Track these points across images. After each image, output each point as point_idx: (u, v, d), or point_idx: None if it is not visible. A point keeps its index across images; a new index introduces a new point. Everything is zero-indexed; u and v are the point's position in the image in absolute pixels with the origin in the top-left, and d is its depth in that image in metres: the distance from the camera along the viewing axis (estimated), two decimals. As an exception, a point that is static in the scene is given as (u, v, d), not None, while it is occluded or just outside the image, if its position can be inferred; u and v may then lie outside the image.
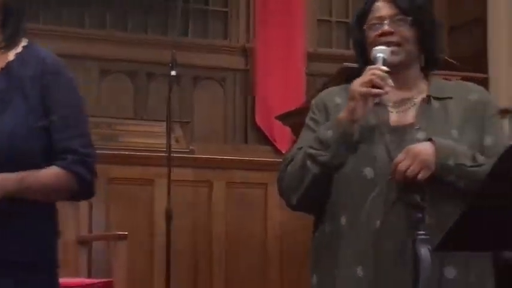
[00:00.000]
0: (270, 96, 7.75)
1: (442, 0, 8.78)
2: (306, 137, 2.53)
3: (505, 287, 2.80)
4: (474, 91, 2.56)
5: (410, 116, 2.49)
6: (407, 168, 2.33)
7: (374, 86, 2.37)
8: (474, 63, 7.44)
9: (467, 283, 2.40)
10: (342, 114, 2.42)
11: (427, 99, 2.50)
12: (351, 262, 2.39)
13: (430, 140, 2.37)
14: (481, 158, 2.40)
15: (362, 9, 2.59)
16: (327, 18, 8.38)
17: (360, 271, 2.38)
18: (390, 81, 2.39)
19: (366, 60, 2.52)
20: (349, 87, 2.47)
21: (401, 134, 2.44)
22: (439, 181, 2.36)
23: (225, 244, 6.05)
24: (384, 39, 2.48)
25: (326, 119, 2.52)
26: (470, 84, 2.66)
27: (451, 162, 2.35)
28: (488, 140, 2.47)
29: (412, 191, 2.35)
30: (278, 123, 6.31)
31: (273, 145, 7.57)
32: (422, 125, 2.45)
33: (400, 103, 2.51)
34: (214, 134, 7.81)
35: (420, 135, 2.43)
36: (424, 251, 2.27)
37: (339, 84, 2.66)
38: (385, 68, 2.41)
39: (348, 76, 2.62)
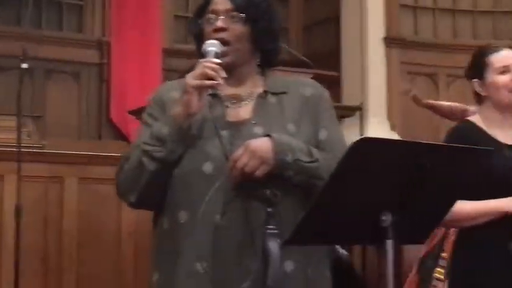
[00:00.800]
0: (125, 91, 7.66)
1: (298, -2, 8.92)
2: (144, 133, 2.49)
3: (341, 281, 2.88)
4: (309, 85, 2.60)
5: (246, 111, 2.49)
6: (245, 164, 2.34)
7: (207, 79, 2.37)
8: (328, 62, 7.59)
9: (305, 276, 2.43)
10: (177, 109, 2.40)
11: (263, 95, 2.52)
12: (191, 258, 2.38)
13: (268, 135, 2.38)
14: (317, 153, 2.43)
15: (203, 2, 2.58)
16: (183, 14, 8.36)
17: (200, 267, 2.37)
18: (223, 73, 2.38)
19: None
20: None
21: (239, 130, 2.44)
22: (278, 177, 2.37)
23: (78, 241, 5.93)
24: (216, 35, 2.47)
25: (163, 114, 2.48)
26: (305, 79, 2.71)
27: (288, 158, 2.37)
28: (323, 134, 2.51)
29: (263, 186, 2.36)
30: (132, 118, 6.25)
31: (128, 140, 7.49)
32: (258, 120, 2.46)
33: (237, 99, 2.51)
34: (67, 129, 7.66)
35: (257, 130, 2.44)
36: (273, 245, 2.29)
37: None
38: (217, 60, 2.40)
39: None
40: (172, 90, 2.54)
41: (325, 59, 7.73)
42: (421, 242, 2.51)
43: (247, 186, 2.36)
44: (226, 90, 2.49)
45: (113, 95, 7.75)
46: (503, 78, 3.15)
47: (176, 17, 8.34)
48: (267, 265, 2.28)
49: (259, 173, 2.35)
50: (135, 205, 2.51)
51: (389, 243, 2.24)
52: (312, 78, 5.23)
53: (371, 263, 6.00)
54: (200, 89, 2.38)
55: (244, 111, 2.49)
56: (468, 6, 8.49)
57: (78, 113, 7.79)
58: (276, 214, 2.34)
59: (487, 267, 3.04)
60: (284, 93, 2.53)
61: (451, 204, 2.42)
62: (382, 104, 7.87)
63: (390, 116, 7.88)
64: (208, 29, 2.51)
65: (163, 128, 2.41)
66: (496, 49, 3.24)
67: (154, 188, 2.43)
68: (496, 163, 2.78)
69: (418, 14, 8.40)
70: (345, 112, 5.96)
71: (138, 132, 2.58)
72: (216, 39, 2.46)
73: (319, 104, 2.55)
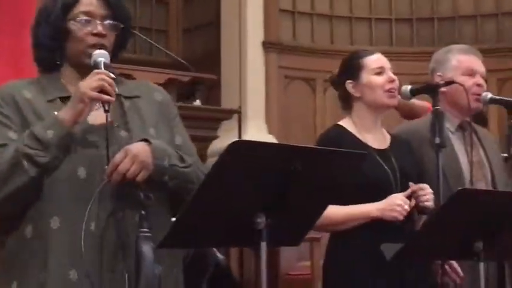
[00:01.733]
0: None
1: (177, 1, 8.90)
2: (1, 132, 2.41)
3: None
4: (158, 91, 2.63)
5: (104, 114, 2.44)
6: (127, 170, 2.31)
7: (103, 92, 2.35)
8: (208, 65, 7.60)
9: (169, 278, 2.43)
10: (66, 116, 2.36)
11: (117, 97, 2.47)
12: (64, 265, 2.33)
13: (145, 140, 2.37)
14: (188, 158, 2.45)
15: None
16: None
17: (73, 274, 2.32)
18: (116, 88, 2.38)
19: (58, 49, 2.50)
20: (41, 82, 2.49)
21: (106, 133, 2.39)
22: (153, 181, 2.36)
23: None
24: (96, 40, 2.46)
25: (17, 113, 2.42)
26: (151, 84, 2.71)
27: (165, 163, 2.38)
28: (178, 139, 2.55)
29: (137, 189, 2.34)
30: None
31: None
32: (120, 123, 2.46)
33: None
34: None
35: (122, 133, 2.43)
36: (146, 248, 2.26)
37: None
38: (112, 74, 2.39)
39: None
40: (23, 89, 2.48)
41: (205, 62, 7.73)
42: (295, 244, 2.53)
43: (121, 190, 2.33)
44: None
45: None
46: (379, 79, 3.22)
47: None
48: (140, 268, 2.26)
49: (140, 178, 2.33)
50: None
51: (263, 246, 2.25)
52: (191, 80, 5.27)
53: (248, 266, 6.02)
54: (95, 100, 2.36)
55: (102, 114, 2.42)
56: (345, 12, 8.64)
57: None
58: (148, 217, 2.32)
59: (359, 270, 3.08)
60: (137, 97, 2.54)
61: (324, 207, 2.46)
62: (260, 108, 7.93)
63: (268, 120, 7.95)
64: (84, 29, 2.48)
65: (47, 133, 2.35)
66: (370, 52, 3.33)
67: (26, 193, 2.35)
68: (367, 168, 2.84)
69: (297, 19, 8.50)
70: (223, 115, 5.96)
71: None
72: (95, 44, 2.45)
73: (169, 110, 2.59)
